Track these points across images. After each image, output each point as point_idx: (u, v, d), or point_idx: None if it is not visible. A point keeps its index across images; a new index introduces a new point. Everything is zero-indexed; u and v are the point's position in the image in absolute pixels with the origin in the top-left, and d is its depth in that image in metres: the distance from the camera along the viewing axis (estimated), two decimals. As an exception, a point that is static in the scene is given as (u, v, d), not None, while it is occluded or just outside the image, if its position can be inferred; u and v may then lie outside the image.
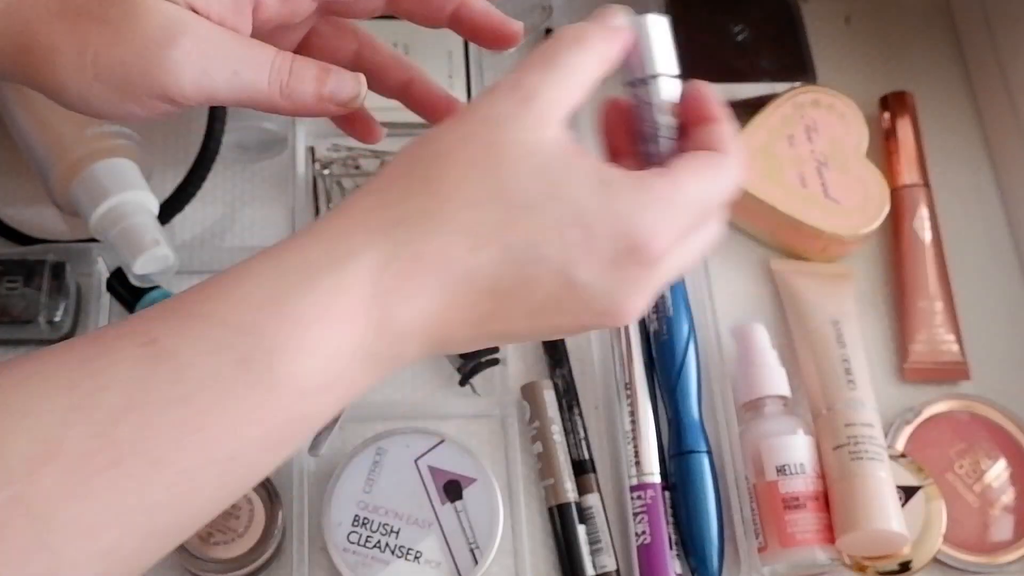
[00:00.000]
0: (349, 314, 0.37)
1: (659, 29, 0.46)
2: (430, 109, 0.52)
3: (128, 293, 0.65)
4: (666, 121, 0.45)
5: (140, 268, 0.62)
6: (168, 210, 0.68)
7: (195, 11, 0.43)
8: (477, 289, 0.39)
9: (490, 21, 0.48)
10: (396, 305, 0.38)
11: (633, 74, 0.46)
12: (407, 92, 0.52)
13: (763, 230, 0.74)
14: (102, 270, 0.67)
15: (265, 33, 0.47)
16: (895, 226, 0.75)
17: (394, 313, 0.38)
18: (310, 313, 0.37)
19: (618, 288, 0.40)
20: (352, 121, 0.53)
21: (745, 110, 0.76)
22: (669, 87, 0.46)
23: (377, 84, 0.51)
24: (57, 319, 0.65)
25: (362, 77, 0.46)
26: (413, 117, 0.77)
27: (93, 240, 0.65)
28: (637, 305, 0.41)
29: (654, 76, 0.45)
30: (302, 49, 0.50)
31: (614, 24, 0.44)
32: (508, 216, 0.39)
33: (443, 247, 0.38)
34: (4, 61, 0.43)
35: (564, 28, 0.43)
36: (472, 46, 0.78)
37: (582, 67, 0.42)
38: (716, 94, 0.45)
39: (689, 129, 0.45)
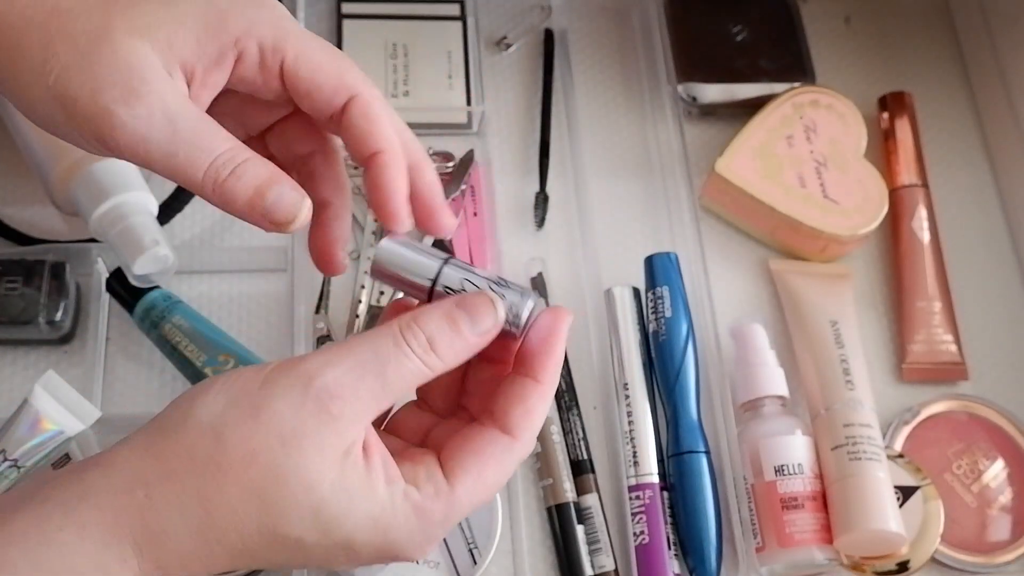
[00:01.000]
0: None
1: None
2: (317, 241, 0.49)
3: (128, 293, 0.66)
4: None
5: (140, 268, 0.62)
6: (168, 210, 0.69)
7: (183, 65, 0.42)
8: (238, 566, 0.41)
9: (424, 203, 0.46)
10: None
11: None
12: (315, 213, 0.47)
13: (762, 230, 0.74)
14: (102, 270, 0.67)
15: (241, 97, 0.45)
16: (894, 226, 0.75)
17: None
18: None
19: (382, 559, 0.43)
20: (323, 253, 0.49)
21: (744, 110, 0.76)
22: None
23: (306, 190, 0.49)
24: (57, 319, 0.65)
25: (307, 205, 0.43)
26: (413, 118, 0.77)
27: (93, 240, 0.65)
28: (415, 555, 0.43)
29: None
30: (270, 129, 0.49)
31: (479, 327, 0.42)
32: (275, 545, 0.40)
33: (208, 556, 0.40)
34: None
35: (417, 325, 0.41)
36: (472, 47, 0.78)
37: (411, 377, 0.41)
38: (555, 351, 0.44)
39: (516, 367, 0.45)
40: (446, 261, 0.45)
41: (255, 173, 0.42)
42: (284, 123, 0.48)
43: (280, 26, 0.44)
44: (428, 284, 0.44)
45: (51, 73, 0.41)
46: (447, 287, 0.44)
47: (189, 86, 0.43)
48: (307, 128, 0.48)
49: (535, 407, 0.43)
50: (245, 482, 0.39)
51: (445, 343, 0.42)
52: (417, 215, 0.47)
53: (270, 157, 0.46)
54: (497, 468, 0.43)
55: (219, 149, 0.42)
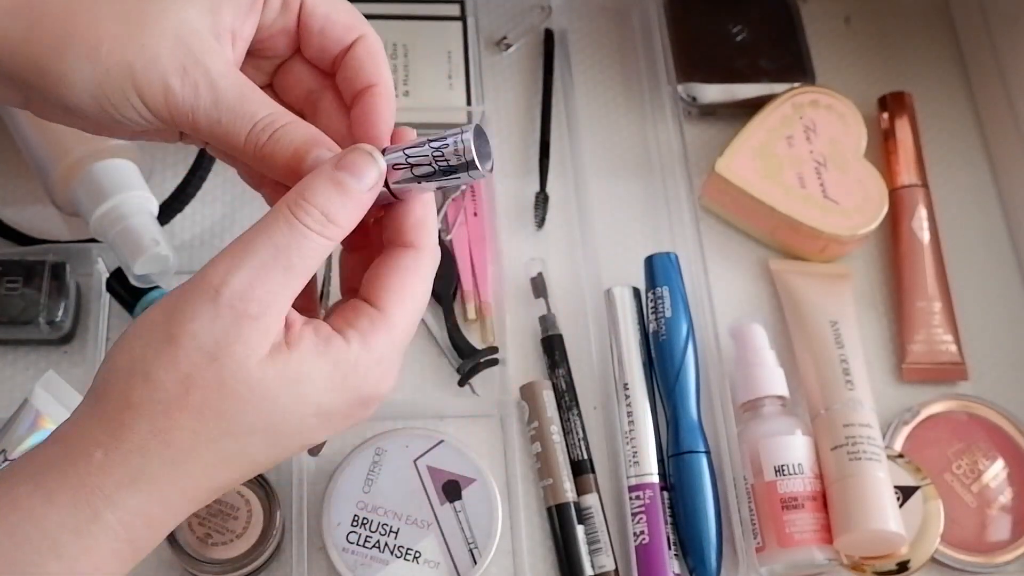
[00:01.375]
0: (98, 565, 0.39)
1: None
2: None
3: (128, 293, 0.66)
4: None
5: (140, 268, 0.62)
6: (168, 210, 0.69)
7: (225, 26, 0.44)
8: (221, 487, 0.42)
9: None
10: (144, 535, 0.40)
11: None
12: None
13: (762, 230, 0.74)
14: (102, 270, 0.67)
15: (265, 37, 0.47)
16: (894, 226, 0.75)
17: (142, 539, 0.40)
18: None
19: (358, 412, 0.43)
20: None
21: (744, 110, 0.76)
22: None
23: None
24: (57, 319, 0.65)
25: None
26: (412, 117, 0.77)
27: (93, 240, 0.65)
28: (386, 392, 0.44)
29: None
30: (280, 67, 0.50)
31: (365, 182, 0.42)
32: (243, 443, 0.40)
33: (187, 486, 0.40)
34: (7, 45, 0.43)
35: (307, 200, 0.41)
36: (472, 47, 0.78)
37: (317, 254, 0.41)
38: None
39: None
40: (383, 151, 0.44)
41: (293, 137, 0.44)
42: (297, 60, 0.49)
43: None
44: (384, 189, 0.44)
45: (102, 46, 0.42)
46: (396, 165, 0.43)
47: (233, 45, 0.45)
48: (312, 69, 0.49)
49: (423, 216, 0.44)
50: (192, 407, 0.39)
51: (339, 210, 0.41)
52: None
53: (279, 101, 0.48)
54: (415, 278, 0.44)
55: (259, 114, 0.44)
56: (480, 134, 0.43)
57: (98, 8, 0.43)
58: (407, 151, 0.43)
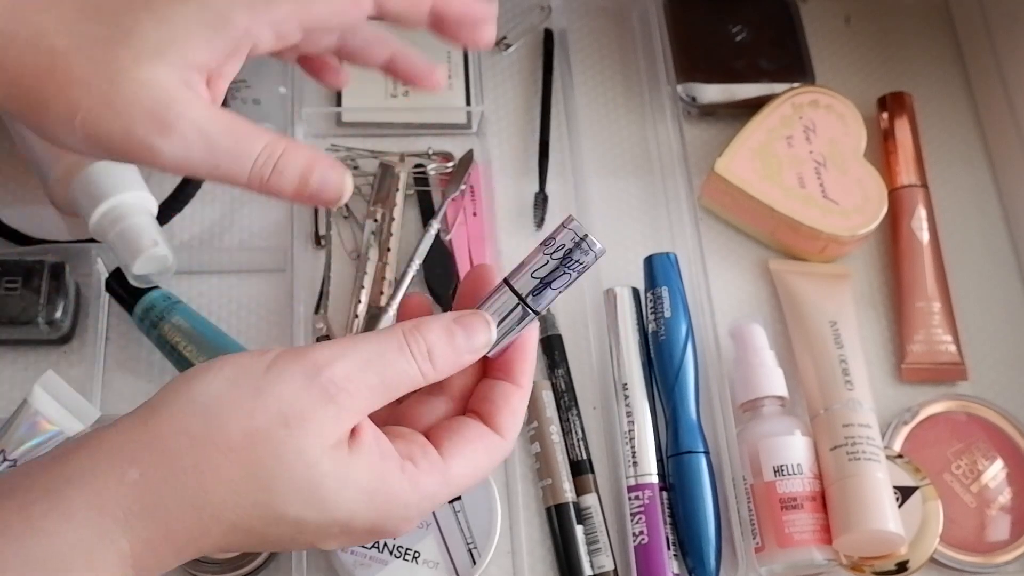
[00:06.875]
0: None
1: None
2: (415, 79, 0.55)
3: (127, 293, 0.66)
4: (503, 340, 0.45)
5: (139, 269, 0.62)
6: (167, 210, 0.69)
7: (199, 70, 0.44)
8: (229, 549, 0.43)
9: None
10: (149, 567, 0.40)
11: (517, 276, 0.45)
12: (392, 67, 0.54)
13: (762, 230, 0.74)
14: (101, 270, 0.68)
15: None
16: (893, 226, 0.75)
17: (146, 571, 0.40)
18: None
19: (365, 537, 0.43)
20: (321, 69, 0.55)
21: (744, 110, 0.76)
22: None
23: (363, 61, 0.53)
24: (56, 319, 0.65)
25: (348, 180, 0.46)
26: (412, 118, 0.78)
27: (92, 240, 0.65)
28: (400, 531, 0.44)
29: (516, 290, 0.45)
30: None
31: (473, 344, 0.44)
32: (271, 523, 0.40)
33: (202, 534, 0.40)
34: None
35: (420, 334, 0.43)
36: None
37: (408, 381, 0.43)
38: (532, 357, 0.46)
39: (491, 371, 0.46)
40: (509, 286, 0.45)
41: (295, 164, 0.45)
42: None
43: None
44: (530, 313, 0.45)
45: (76, 116, 0.42)
46: (533, 291, 0.45)
47: (209, 84, 0.45)
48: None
49: (519, 409, 0.46)
50: (245, 461, 0.39)
51: (442, 355, 0.43)
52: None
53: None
54: (487, 459, 0.45)
55: (255, 150, 0.44)
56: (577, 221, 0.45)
57: (69, 70, 0.42)
58: (533, 272, 0.44)
